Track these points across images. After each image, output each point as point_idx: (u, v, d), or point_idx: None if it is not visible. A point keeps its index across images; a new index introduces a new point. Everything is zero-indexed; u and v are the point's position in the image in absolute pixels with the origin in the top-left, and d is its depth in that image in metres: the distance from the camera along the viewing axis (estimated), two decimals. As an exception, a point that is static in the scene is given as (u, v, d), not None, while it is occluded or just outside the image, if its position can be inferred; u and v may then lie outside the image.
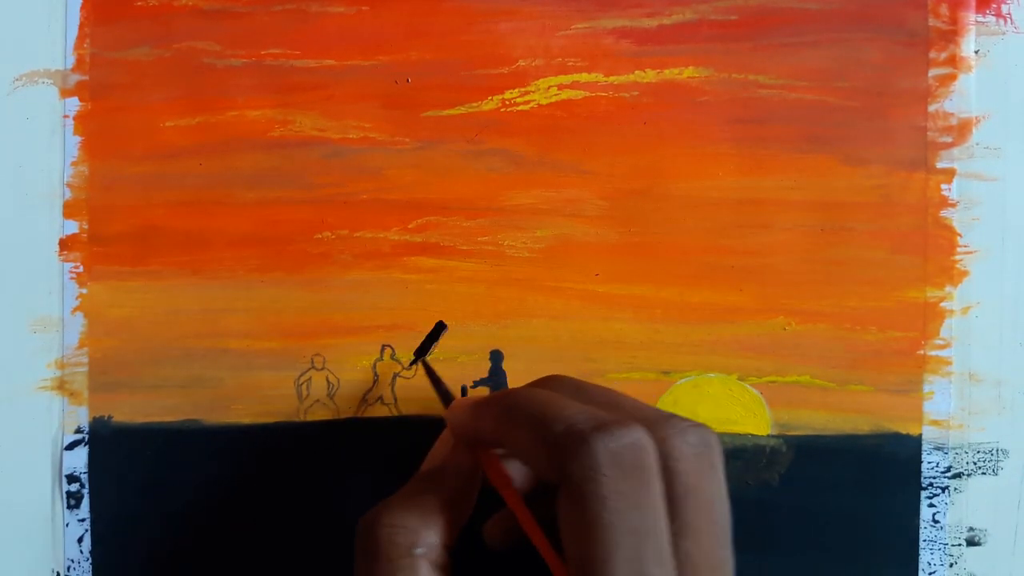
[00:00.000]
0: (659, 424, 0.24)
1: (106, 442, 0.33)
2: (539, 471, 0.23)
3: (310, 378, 0.33)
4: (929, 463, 0.33)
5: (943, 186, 0.34)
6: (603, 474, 0.22)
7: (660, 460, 0.23)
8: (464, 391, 0.33)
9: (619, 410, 0.24)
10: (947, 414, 0.33)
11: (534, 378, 0.28)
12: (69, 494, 0.33)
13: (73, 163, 0.33)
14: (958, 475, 0.33)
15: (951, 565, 0.33)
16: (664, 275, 0.34)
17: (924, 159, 0.34)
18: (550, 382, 0.27)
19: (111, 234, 0.33)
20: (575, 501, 0.22)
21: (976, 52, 0.34)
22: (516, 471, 0.27)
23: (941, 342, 0.34)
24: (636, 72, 0.34)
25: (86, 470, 0.33)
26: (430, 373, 0.32)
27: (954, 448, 0.33)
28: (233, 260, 0.33)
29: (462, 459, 0.26)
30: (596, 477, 0.22)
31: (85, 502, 0.33)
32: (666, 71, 0.34)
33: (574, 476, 0.22)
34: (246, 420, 0.33)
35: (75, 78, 0.33)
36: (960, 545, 0.34)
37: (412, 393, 0.33)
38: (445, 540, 0.24)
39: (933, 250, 0.34)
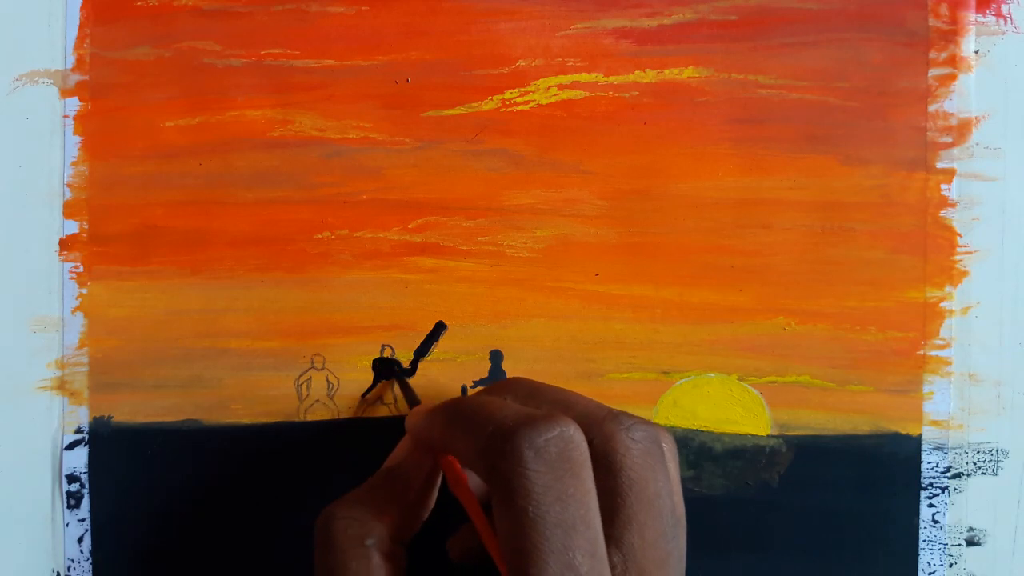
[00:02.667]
0: (606, 421, 0.24)
1: (106, 442, 0.33)
2: (479, 474, 0.24)
3: (310, 378, 0.33)
4: (929, 463, 0.33)
5: (943, 186, 0.34)
6: (528, 468, 0.22)
7: (606, 455, 0.24)
8: (464, 391, 0.33)
9: (567, 408, 0.25)
10: (947, 414, 0.33)
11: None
12: (69, 494, 0.33)
13: (73, 163, 0.33)
14: (958, 475, 0.33)
15: (951, 565, 0.33)
16: (664, 275, 0.34)
17: (924, 159, 0.34)
18: (505, 386, 0.27)
19: (111, 234, 0.33)
20: (504, 497, 0.22)
21: (976, 52, 0.34)
22: (475, 478, 0.27)
23: (941, 342, 0.34)
24: (636, 72, 0.34)
25: (86, 470, 0.33)
26: (401, 381, 0.32)
27: (954, 448, 0.33)
28: (233, 260, 0.33)
29: (419, 460, 0.27)
30: (521, 472, 0.22)
31: (85, 502, 0.33)
32: (666, 71, 0.34)
33: (501, 473, 0.22)
34: (246, 420, 0.33)
35: (75, 78, 0.33)
36: (960, 545, 0.34)
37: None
38: (396, 534, 0.25)
39: (933, 250, 0.34)
